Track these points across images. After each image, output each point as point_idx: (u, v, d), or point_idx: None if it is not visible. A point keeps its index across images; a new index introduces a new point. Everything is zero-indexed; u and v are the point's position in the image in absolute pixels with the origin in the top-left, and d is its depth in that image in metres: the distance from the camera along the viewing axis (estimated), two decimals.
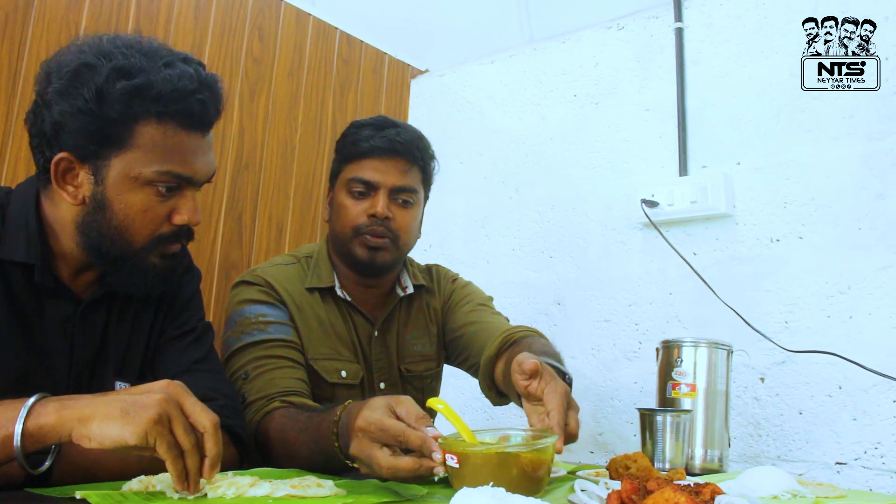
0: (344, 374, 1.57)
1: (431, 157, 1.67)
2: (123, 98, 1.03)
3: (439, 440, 0.97)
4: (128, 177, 1.06)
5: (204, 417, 0.89)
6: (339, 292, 1.62)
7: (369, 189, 1.57)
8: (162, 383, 0.90)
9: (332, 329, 1.59)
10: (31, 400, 0.86)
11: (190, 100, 1.07)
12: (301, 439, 1.22)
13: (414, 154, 1.60)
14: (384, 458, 0.97)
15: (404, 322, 1.71)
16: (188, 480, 0.87)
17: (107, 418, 0.84)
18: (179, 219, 1.11)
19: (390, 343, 1.68)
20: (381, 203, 1.55)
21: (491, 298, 1.82)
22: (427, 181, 1.68)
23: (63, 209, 1.10)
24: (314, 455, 1.18)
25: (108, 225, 1.08)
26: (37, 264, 1.08)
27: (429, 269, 1.83)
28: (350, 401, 1.12)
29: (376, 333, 1.65)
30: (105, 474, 0.97)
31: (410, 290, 1.71)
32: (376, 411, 0.99)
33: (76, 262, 1.14)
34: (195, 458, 0.87)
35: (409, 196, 1.61)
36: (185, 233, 1.15)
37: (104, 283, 1.18)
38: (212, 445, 0.88)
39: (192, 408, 0.89)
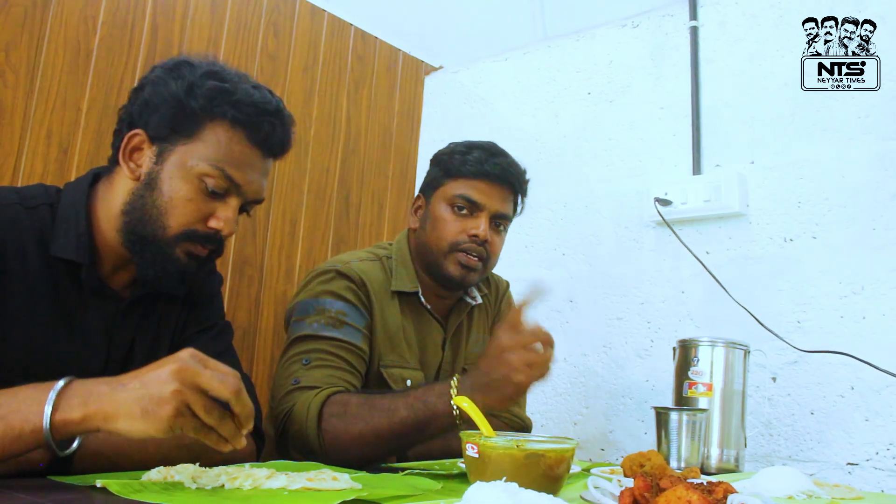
0: (409, 382, 1.59)
1: (527, 192, 1.72)
2: (208, 94, 1.14)
3: (461, 434, 0.98)
4: (185, 165, 1.14)
5: (223, 390, 0.88)
6: (421, 299, 1.66)
7: (473, 209, 1.61)
8: (172, 369, 0.86)
9: (403, 335, 1.61)
10: (59, 386, 0.87)
11: (263, 118, 1.17)
12: (399, 398, 1.32)
13: (518, 185, 1.68)
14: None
15: (468, 329, 1.78)
16: (229, 442, 0.89)
17: (130, 417, 0.85)
18: (215, 223, 1.16)
19: (458, 348, 1.74)
20: (483, 225, 1.60)
21: None
22: (516, 212, 1.73)
23: (117, 190, 1.17)
24: (415, 412, 1.30)
25: (153, 204, 1.13)
26: (84, 263, 1.13)
27: (486, 276, 1.87)
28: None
29: (448, 339, 1.71)
30: (126, 463, 0.99)
31: (479, 300, 1.78)
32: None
33: (116, 257, 1.19)
34: (227, 426, 0.89)
35: (505, 223, 1.68)
36: (216, 240, 1.18)
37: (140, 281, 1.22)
38: (240, 409, 0.89)
39: (208, 383, 0.88)
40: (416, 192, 1.77)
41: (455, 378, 1.31)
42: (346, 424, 1.31)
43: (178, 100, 1.13)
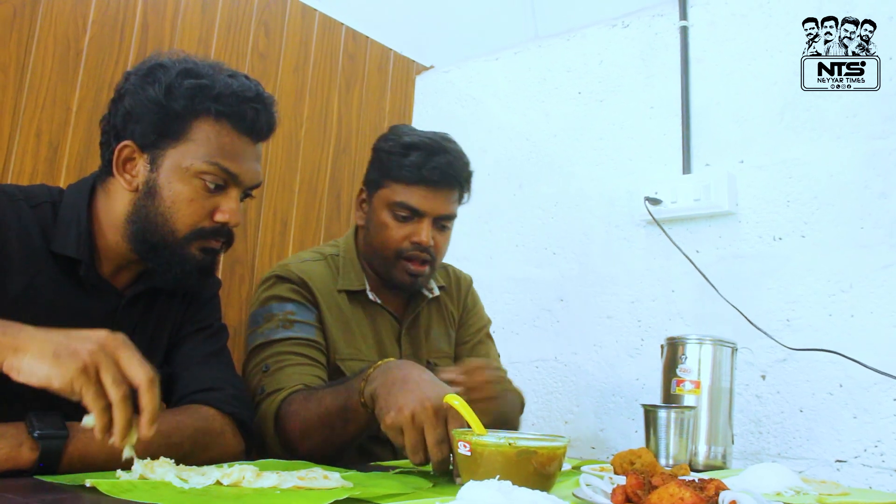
0: None
1: (471, 179, 1.68)
2: (188, 94, 1.15)
3: (454, 432, 0.99)
4: (180, 167, 1.16)
5: (138, 372, 0.87)
6: (370, 295, 1.64)
7: (414, 215, 1.58)
8: (102, 333, 0.89)
9: (357, 330, 1.61)
10: None
11: (245, 105, 1.18)
12: (327, 393, 1.28)
13: (461, 183, 1.63)
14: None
15: (428, 321, 1.75)
16: (118, 434, 0.87)
17: (38, 356, 0.84)
18: (221, 216, 1.19)
19: (418, 339, 1.72)
20: (425, 232, 1.57)
21: (490, 322, 1.89)
22: (462, 203, 1.69)
23: (117, 201, 1.19)
24: (336, 406, 1.24)
25: (156, 211, 1.16)
26: (84, 260, 1.16)
27: (444, 268, 1.86)
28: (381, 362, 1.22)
29: (404, 332, 1.69)
30: (115, 463, 0.97)
31: (436, 292, 1.76)
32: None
33: (119, 258, 1.21)
34: (122, 411, 0.86)
35: (450, 221, 1.65)
36: (225, 232, 1.21)
37: (143, 279, 1.25)
38: (147, 400, 0.87)
39: (127, 361, 0.87)
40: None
41: (374, 365, 1.23)
42: (289, 422, 1.32)
43: (160, 104, 1.14)
